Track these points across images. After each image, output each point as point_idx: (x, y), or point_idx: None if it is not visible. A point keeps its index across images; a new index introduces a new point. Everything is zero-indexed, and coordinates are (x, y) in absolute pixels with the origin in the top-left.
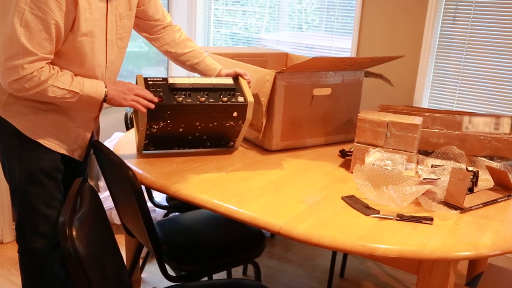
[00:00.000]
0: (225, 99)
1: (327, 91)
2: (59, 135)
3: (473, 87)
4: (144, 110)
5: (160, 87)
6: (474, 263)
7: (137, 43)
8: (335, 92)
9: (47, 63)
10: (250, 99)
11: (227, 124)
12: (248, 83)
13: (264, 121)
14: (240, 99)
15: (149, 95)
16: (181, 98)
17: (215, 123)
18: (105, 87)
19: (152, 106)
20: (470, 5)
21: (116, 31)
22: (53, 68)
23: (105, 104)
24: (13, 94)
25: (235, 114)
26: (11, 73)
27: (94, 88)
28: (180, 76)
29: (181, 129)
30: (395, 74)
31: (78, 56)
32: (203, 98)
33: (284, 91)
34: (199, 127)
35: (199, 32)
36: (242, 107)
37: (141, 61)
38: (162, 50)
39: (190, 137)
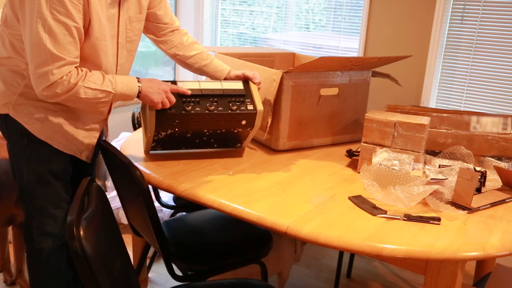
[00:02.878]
0: (234, 107)
1: (334, 91)
2: (68, 136)
3: (481, 87)
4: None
5: None
6: (481, 263)
7: (145, 43)
8: (342, 92)
9: (75, 66)
10: (260, 107)
11: (235, 131)
12: (258, 83)
13: (270, 120)
14: (250, 107)
15: (173, 101)
16: (190, 107)
17: (223, 130)
18: (138, 82)
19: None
20: (479, 5)
21: (126, 34)
22: (81, 70)
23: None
24: (29, 95)
25: (243, 122)
26: (42, 81)
27: (127, 84)
28: (188, 80)
29: (188, 135)
30: (403, 74)
31: (91, 58)
32: (212, 107)
33: (291, 91)
34: (207, 133)
35: (206, 32)
36: (251, 116)
37: (148, 61)
38: (169, 53)
39: (197, 140)
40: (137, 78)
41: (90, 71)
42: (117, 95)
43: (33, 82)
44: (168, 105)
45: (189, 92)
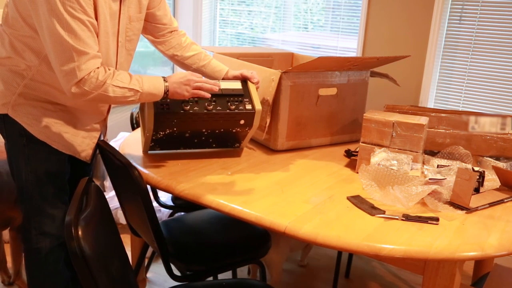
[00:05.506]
0: (232, 107)
1: (332, 91)
2: (67, 136)
3: (479, 87)
4: (209, 96)
5: None
6: (480, 263)
7: (143, 43)
8: (341, 92)
9: (101, 63)
10: (258, 107)
11: (234, 131)
12: (257, 83)
13: (268, 120)
14: (248, 106)
15: (208, 84)
16: (188, 106)
17: (222, 130)
18: (165, 81)
19: (216, 89)
20: (477, 5)
21: (125, 33)
22: (108, 68)
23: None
24: (29, 95)
25: (242, 121)
26: (70, 78)
27: (153, 84)
28: None
29: (187, 134)
30: (401, 74)
31: None
32: (211, 106)
33: (290, 91)
34: (206, 133)
35: (205, 32)
36: (250, 115)
37: (147, 61)
38: (167, 54)
39: (196, 140)
40: (163, 77)
41: (117, 70)
42: (144, 94)
43: (61, 82)
44: (208, 86)
45: (216, 88)
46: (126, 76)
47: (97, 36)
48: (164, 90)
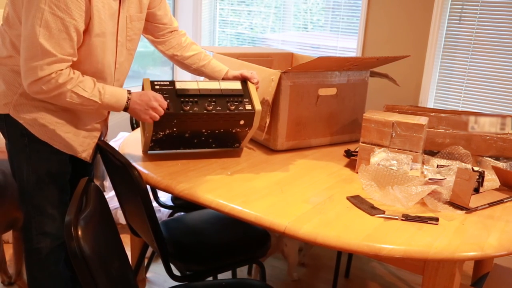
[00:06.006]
0: (232, 107)
1: (332, 91)
2: (68, 136)
3: (479, 87)
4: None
5: (167, 92)
6: (479, 263)
7: (143, 43)
8: (341, 92)
9: (67, 66)
10: (258, 107)
11: (234, 131)
12: (256, 83)
13: (268, 120)
14: (248, 107)
15: (164, 105)
16: (188, 107)
17: (222, 130)
18: (128, 97)
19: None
20: (476, 5)
21: (126, 33)
22: (73, 72)
23: None
24: (30, 95)
25: (242, 122)
26: (30, 75)
27: (116, 97)
28: (187, 80)
29: (187, 135)
30: (401, 74)
31: (90, 56)
32: (210, 107)
33: (290, 91)
34: (205, 133)
35: (205, 32)
36: (249, 115)
37: (146, 61)
38: (167, 54)
39: (196, 140)
40: (128, 91)
41: (82, 76)
42: (103, 105)
43: (22, 75)
44: (156, 119)
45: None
46: (90, 85)
47: (91, 36)
48: (124, 106)
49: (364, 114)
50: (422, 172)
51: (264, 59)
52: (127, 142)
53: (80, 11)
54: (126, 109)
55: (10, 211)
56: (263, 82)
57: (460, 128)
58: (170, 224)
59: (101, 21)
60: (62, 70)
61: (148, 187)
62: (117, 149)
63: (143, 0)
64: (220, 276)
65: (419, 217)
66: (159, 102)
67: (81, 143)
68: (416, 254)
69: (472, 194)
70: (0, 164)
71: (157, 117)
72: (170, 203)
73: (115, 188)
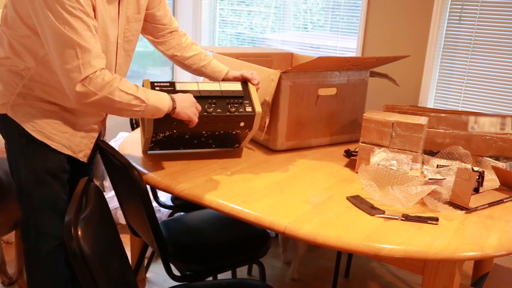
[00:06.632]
0: (232, 109)
1: (332, 91)
2: (66, 136)
3: (479, 87)
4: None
5: (167, 93)
6: (479, 263)
7: (143, 43)
8: (341, 92)
9: (105, 64)
10: (258, 109)
11: (234, 132)
12: (257, 84)
13: (267, 120)
14: (248, 109)
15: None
16: None
17: (222, 132)
18: (171, 98)
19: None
20: (476, 4)
21: (124, 34)
22: (113, 72)
23: None
24: (28, 95)
25: (242, 124)
26: (74, 76)
27: (158, 99)
28: (187, 81)
29: (187, 136)
30: (401, 74)
31: None
32: (211, 109)
33: (290, 91)
34: (205, 135)
35: (205, 32)
36: (250, 117)
37: (146, 61)
38: (168, 55)
39: (196, 141)
40: (168, 93)
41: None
42: (150, 106)
43: (64, 83)
44: (197, 115)
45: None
46: (132, 84)
47: None
48: (172, 106)
49: (364, 114)
50: (422, 172)
51: (264, 59)
52: (127, 142)
53: (91, 10)
54: (173, 109)
55: (15, 211)
56: (263, 82)
57: (460, 128)
58: (170, 224)
59: (104, 23)
60: (104, 68)
61: (148, 187)
62: (117, 149)
63: (141, 1)
64: (220, 276)
65: (419, 217)
66: (194, 99)
67: (78, 143)
68: (416, 254)
69: (472, 194)
70: (3, 164)
71: (198, 114)
72: (170, 203)
73: (115, 188)
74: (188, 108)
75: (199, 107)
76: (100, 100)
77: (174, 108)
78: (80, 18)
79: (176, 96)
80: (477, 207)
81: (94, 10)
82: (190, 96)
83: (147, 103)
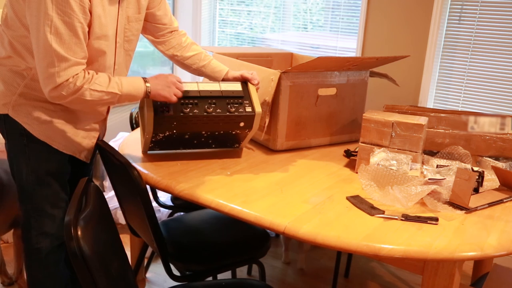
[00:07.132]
0: (232, 109)
1: (332, 91)
2: (67, 136)
3: (478, 87)
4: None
5: None
6: (479, 263)
7: (143, 43)
8: (340, 92)
9: (82, 70)
10: (258, 109)
11: (233, 132)
12: (257, 84)
13: (267, 120)
14: (248, 109)
15: (182, 90)
16: (188, 109)
17: (221, 132)
18: (145, 82)
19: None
20: (476, 5)
21: (124, 33)
22: (88, 73)
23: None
24: (29, 96)
25: (242, 124)
26: (49, 82)
27: (133, 85)
28: (187, 81)
29: (186, 136)
30: (401, 74)
31: (90, 58)
32: (210, 109)
33: (289, 91)
34: (205, 135)
35: (204, 32)
36: (250, 118)
37: (146, 61)
38: (168, 54)
39: (195, 141)
40: (143, 78)
41: (96, 74)
42: (123, 96)
43: (41, 83)
44: (180, 95)
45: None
46: (105, 79)
47: (91, 39)
48: (145, 91)
49: (363, 114)
50: (422, 172)
51: (264, 59)
52: (127, 142)
53: (84, 14)
54: (148, 94)
55: (13, 210)
56: (263, 82)
57: (460, 128)
58: (170, 224)
59: (101, 24)
60: (77, 74)
61: (148, 187)
62: (116, 149)
63: (141, 1)
64: (220, 276)
65: (418, 217)
66: (176, 78)
67: (80, 143)
68: (416, 254)
69: (471, 194)
70: (2, 163)
71: (180, 93)
72: (169, 203)
73: (114, 188)
74: (163, 90)
75: (181, 87)
76: (72, 100)
77: (149, 92)
78: (69, 24)
79: (151, 79)
80: (477, 207)
81: (90, 12)
82: (167, 77)
83: (121, 94)
